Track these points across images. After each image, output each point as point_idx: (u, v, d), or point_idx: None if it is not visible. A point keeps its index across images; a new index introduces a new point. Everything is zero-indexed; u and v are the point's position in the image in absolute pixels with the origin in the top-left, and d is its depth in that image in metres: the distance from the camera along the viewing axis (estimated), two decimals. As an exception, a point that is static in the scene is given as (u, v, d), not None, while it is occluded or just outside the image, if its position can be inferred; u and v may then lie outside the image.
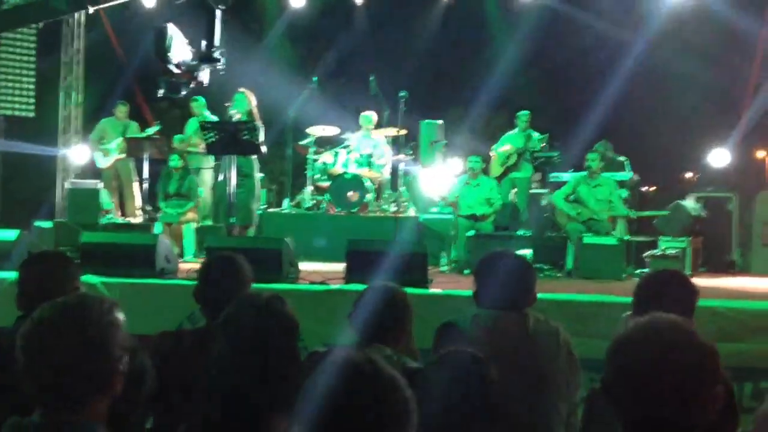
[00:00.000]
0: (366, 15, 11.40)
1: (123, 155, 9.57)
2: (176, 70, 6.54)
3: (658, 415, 1.48)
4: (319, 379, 1.39)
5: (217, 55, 6.55)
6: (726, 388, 2.32)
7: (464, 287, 5.47)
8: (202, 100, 9.24)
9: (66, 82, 11.27)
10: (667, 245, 7.84)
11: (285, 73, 11.04)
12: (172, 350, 2.62)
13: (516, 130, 9.55)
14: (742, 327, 4.60)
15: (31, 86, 11.17)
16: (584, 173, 8.11)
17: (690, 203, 8.62)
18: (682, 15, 9.41)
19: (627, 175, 8.93)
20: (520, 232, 8.11)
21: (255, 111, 7.61)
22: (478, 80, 10.49)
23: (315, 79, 9.96)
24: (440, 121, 10.39)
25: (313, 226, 8.96)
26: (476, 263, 3.12)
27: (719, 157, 9.44)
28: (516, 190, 9.45)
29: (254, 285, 2.98)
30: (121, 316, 1.76)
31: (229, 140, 6.81)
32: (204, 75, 6.64)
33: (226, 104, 8.20)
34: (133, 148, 9.23)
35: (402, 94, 9.08)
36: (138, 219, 9.27)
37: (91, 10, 9.78)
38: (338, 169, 9.39)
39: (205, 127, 6.97)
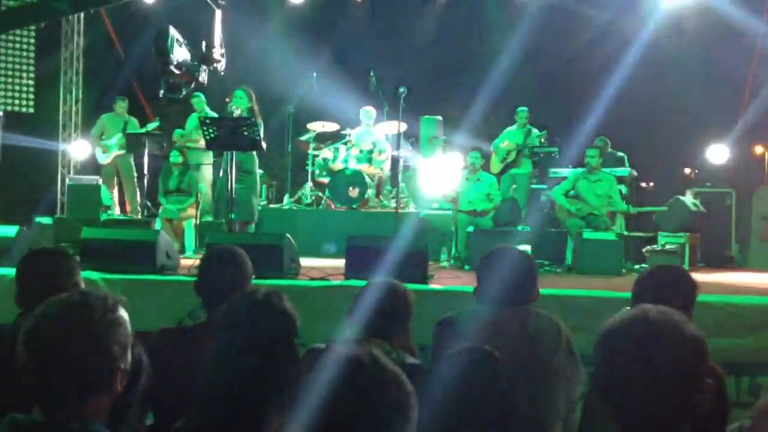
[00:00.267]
0: (365, 10, 11.39)
1: (123, 151, 9.58)
2: (176, 71, 6.55)
3: (646, 407, 1.48)
4: (320, 374, 1.40)
5: (217, 55, 6.56)
6: (716, 380, 2.33)
7: (464, 283, 5.49)
8: (202, 96, 9.24)
9: (66, 77, 11.27)
10: (666, 240, 7.86)
11: (284, 68, 11.03)
12: (173, 347, 2.63)
13: (515, 126, 9.56)
14: (739, 322, 4.61)
15: (31, 82, 11.18)
16: (583, 169, 8.12)
17: (689, 199, 8.64)
18: (681, 11, 9.41)
19: (626, 170, 8.94)
20: (520, 228, 8.12)
21: (255, 107, 7.61)
22: (478, 76, 10.47)
23: (314, 74, 9.96)
24: (440, 117, 10.39)
25: (313, 222, 8.97)
26: (478, 259, 3.12)
27: (718, 154, 9.45)
28: (516, 186, 9.46)
29: (255, 281, 2.99)
30: (124, 314, 1.76)
31: (229, 136, 6.81)
32: (203, 75, 6.65)
33: (226, 100, 8.20)
34: (133, 144, 9.23)
35: (401, 89, 9.07)
36: (138, 215, 9.28)
37: (92, 10, 9.80)
38: (338, 165, 9.40)
39: (205, 123, 6.97)
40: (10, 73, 10.98)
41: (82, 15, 11.17)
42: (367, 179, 9.19)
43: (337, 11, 11.36)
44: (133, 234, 6.27)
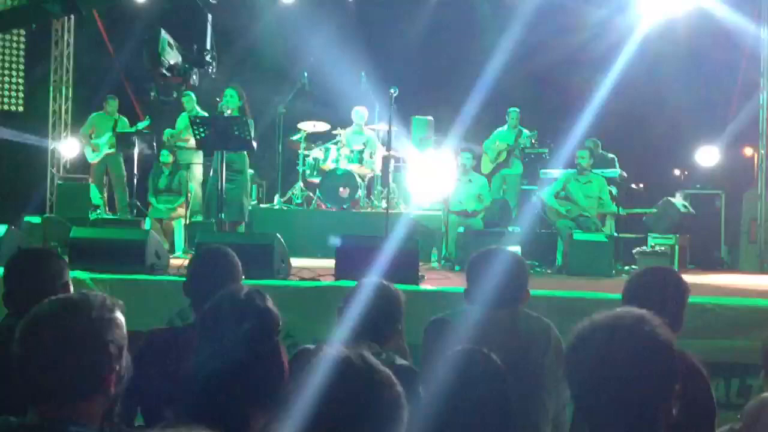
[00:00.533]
0: (357, 10, 11.38)
1: (113, 150, 9.53)
2: (168, 74, 6.55)
3: (614, 414, 1.47)
4: (310, 375, 1.39)
5: (208, 58, 6.56)
6: (702, 381, 2.33)
7: (455, 283, 5.49)
8: (192, 95, 9.21)
9: (56, 76, 11.20)
10: (656, 242, 7.89)
11: (275, 68, 11.01)
12: (162, 347, 2.61)
13: (506, 126, 9.58)
14: (729, 323, 4.63)
15: (21, 80, 11.11)
16: (574, 170, 8.14)
17: (678, 200, 8.68)
18: (674, 13, 9.43)
19: (616, 172, 8.97)
20: (510, 229, 8.13)
21: (246, 106, 7.59)
22: (469, 77, 10.48)
23: (305, 74, 9.94)
24: (430, 118, 10.39)
25: (303, 223, 8.96)
26: (468, 260, 3.12)
27: (707, 156, 9.49)
28: (506, 186, 9.48)
29: (245, 281, 2.97)
30: (121, 317, 1.75)
31: (220, 136, 6.78)
32: (195, 78, 6.65)
33: (217, 99, 8.17)
34: (123, 143, 9.19)
35: (393, 90, 9.07)
36: (127, 215, 9.24)
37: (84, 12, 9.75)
38: (329, 165, 9.39)
39: (195, 122, 6.94)
40: (-1, 71, 10.93)
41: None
42: (358, 179, 9.18)
43: (328, 11, 11.34)
44: (122, 233, 6.24)
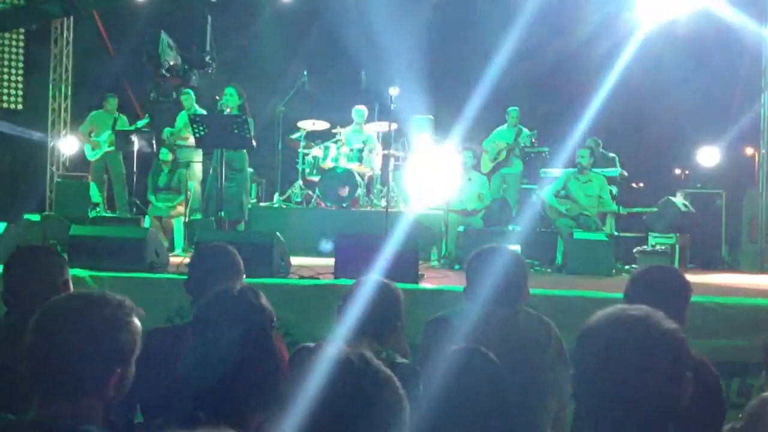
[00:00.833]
0: (357, 9, 11.36)
1: (112, 148, 9.52)
2: (168, 75, 6.56)
3: (625, 408, 1.46)
4: (309, 373, 1.38)
5: (207, 59, 6.57)
6: (712, 379, 2.32)
7: (454, 282, 5.48)
8: (191, 93, 9.19)
9: (55, 74, 11.19)
10: (657, 241, 7.89)
11: (275, 66, 11.00)
12: (163, 346, 2.60)
13: (506, 125, 9.57)
14: (730, 323, 4.62)
15: (20, 78, 11.10)
16: (574, 169, 8.13)
17: (679, 200, 8.67)
18: (675, 12, 9.42)
19: (616, 171, 8.96)
20: (511, 228, 8.12)
21: (245, 105, 7.58)
22: (469, 76, 10.47)
23: (305, 73, 9.93)
24: (431, 117, 10.38)
25: (303, 221, 8.94)
26: (468, 259, 3.11)
27: (708, 156, 9.48)
28: (506, 185, 9.47)
29: (245, 279, 2.96)
30: (138, 323, 1.75)
31: (220, 134, 6.78)
32: (194, 78, 6.66)
33: (216, 97, 8.16)
34: (123, 141, 9.17)
35: (393, 88, 9.05)
36: (127, 213, 9.23)
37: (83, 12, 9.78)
38: (328, 164, 9.38)
39: (195, 120, 6.93)
40: (-1, 69, 10.92)
41: (72, 11, 11.10)
42: (358, 178, 9.17)
43: (328, 9, 11.33)
44: (122, 231, 6.24)
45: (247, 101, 7.61)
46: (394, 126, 9.61)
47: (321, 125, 9.92)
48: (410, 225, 8.15)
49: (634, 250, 7.81)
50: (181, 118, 9.30)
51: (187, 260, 6.01)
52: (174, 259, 6.31)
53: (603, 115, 9.01)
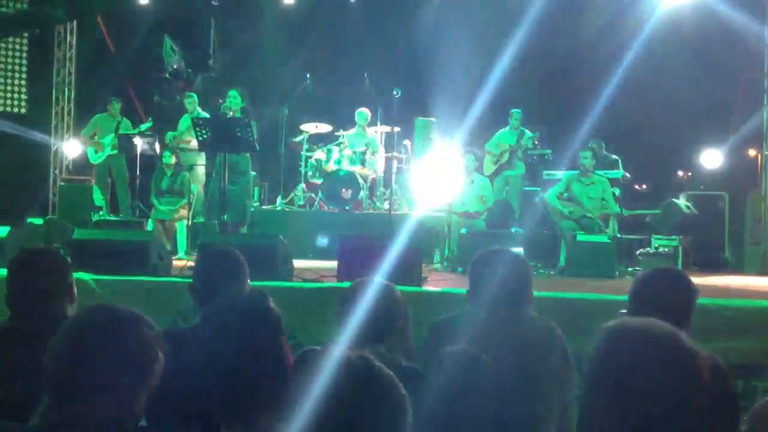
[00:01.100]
0: (360, 11, 11.38)
1: (116, 151, 9.54)
2: (171, 79, 6.59)
3: (644, 425, 1.46)
4: (313, 377, 1.38)
5: (210, 62, 6.59)
6: (728, 388, 2.30)
7: (457, 285, 5.48)
8: (194, 96, 9.20)
9: (59, 77, 11.22)
10: (660, 243, 7.87)
11: (278, 69, 11.01)
12: (168, 349, 2.60)
13: (508, 127, 9.57)
14: (733, 325, 4.61)
15: (23, 82, 11.13)
16: (577, 171, 8.12)
17: (682, 202, 8.65)
18: (678, 13, 9.42)
19: (619, 173, 8.94)
20: (513, 230, 8.12)
21: (248, 108, 7.60)
22: (472, 78, 10.47)
23: (308, 76, 9.94)
24: (433, 119, 10.39)
25: (306, 224, 8.95)
26: (471, 261, 3.10)
27: (711, 158, 9.45)
28: (508, 187, 9.46)
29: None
30: (161, 355, 1.79)
31: (223, 137, 6.79)
32: (197, 81, 6.68)
33: (220, 100, 8.18)
34: (126, 144, 9.19)
35: (396, 91, 9.07)
36: (130, 216, 9.24)
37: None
38: (331, 167, 9.38)
39: (197, 123, 6.94)
40: (2, 73, 10.93)
41: (75, 14, 11.13)
42: (360, 181, 9.17)
43: (331, 12, 11.35)
44: (125, 235, 6.25)
45: (249, 104, 7.62)
46: (396, 129, 9.62)
47: (324, 128, 9.92)
48: (413, 227, 8.17)
49: (637, 252, 7.80)
50: (184, 122, 9.31)
51: (190, 263, 6.04)
52: (177, 263, 6.32)
53: (606, 117, 9.01)
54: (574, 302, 4.83)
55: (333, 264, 5.76)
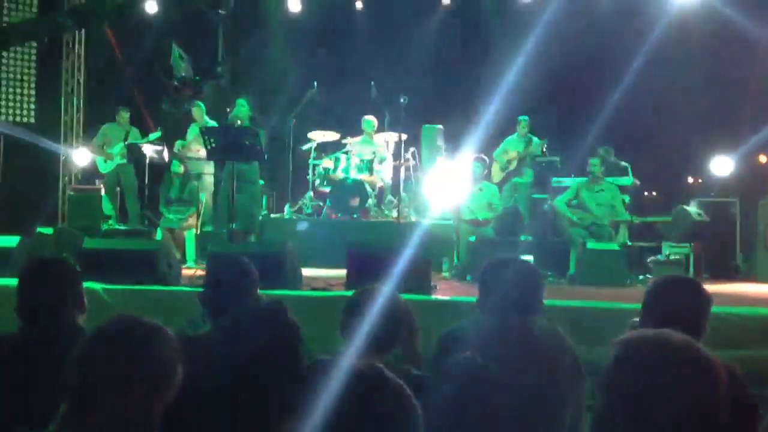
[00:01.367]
0: (366, 20, 11.41)
1: (125, 161, 9.58)
2: (180, 86, 6.61)
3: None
4: (324, 387, 1.38)
5: (219, 70, 6.62)
6: (746, 398, 2.27)
7: (466, 293, 5.46)
8: (202, 105, 9.23)
9: (67, 87, 11.28)
10: (671, 251, 7.81)
11: (285, 78, 11.04)
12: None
13: (515, 134, 9.55)
14: (746, 333, 4.58)
15: (32, 92, 11.19)
16: (586, 178, 8.10)
17: (693, 208, 8.60)
18: (687, 21, 9.39)
19: (629, 180, 8.91)
20: (522, 238, 8.09)
21: (256, 117, 7.62)
22: (479, 85, 10.47)
23: (315, 84, 9.96)
24: (440, 126, 10.38)
25: (314, 232, 8.94)
26: (480, 269, 3.08)
27: (721, 165, 9.37)
28: (516, 195, 9.44)
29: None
30: (179, 372, 1.77)
31: (231, 146, 6.81)
32: (205, 89, 6.70)
33: (228, 109, 8.20)
34: (135, 153, 9.23)
35: (402, 98, 9.07)
36: (138, 225, 9.26)
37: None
38: (339, 175, 9.38)
39: (206, 133, 6.96)
40: (11, 83, 10.99)
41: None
42: (368, 189, 9.17)
43: (338, 20, 11.38)
44: (134, 244, 6.27)
45: (257, 113, 7.64)
46: (404, 136, 9.63)
47: (331, 136, 9.94)
48: (422, 235, 8.16)
49: (649, 260, 7.75)
50: (192, 131, 9.35)
51: (199, 272, 6.05)
52: (186, 271, 6.32)
53: (616, 123, 8.98)
54: (584, 311, 4.80)
55: (341, 272, 5.76)
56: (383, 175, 9.56)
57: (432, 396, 2.15)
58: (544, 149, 9.33)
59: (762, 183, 9.51)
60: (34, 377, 2.24)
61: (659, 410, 1.42)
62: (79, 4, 10.59)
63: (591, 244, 7.33)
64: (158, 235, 8.38)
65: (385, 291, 2.76)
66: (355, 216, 9.10)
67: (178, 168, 8.87)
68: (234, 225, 7.07)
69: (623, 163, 9.27)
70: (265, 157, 7.18)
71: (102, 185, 9.84)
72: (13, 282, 2.70)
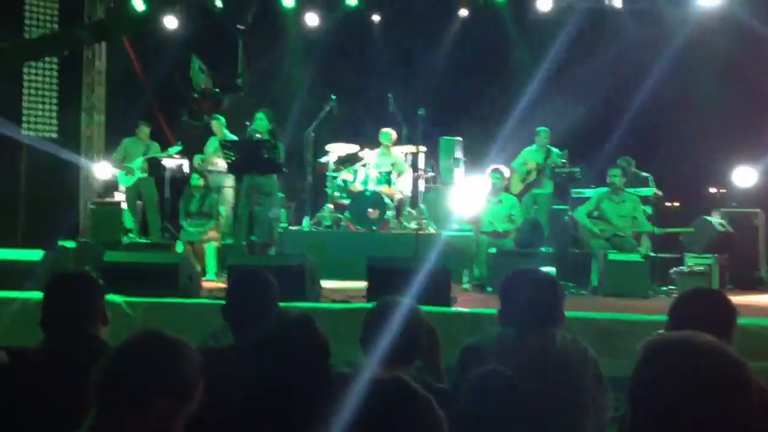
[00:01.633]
0: (383, 32, 11.45)
1: (145, 174, 9.66)
2: (200, 99, 6.67)
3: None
4: (349, 399, 1.37)
5: (238, 83, 6.67)
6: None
7: (486, 305, 5.43)
8: (221, 119, 9.30)
9: (88, 102, 11.41)
10: (694, 262, 7.71)
11: (304, 91, 11.09)
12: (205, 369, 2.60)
13: (534, 145, 9.52)
14: (772, 345, 4.50)
15: (54, 107, 11.32)
16: (607, 189, 8.04)
17: (715, 219, 8.50)
18: (708, 29, 9.32)
19: (650, 190, 8.83)
20: (543, 249, 8.04)
21: (275, 130, 7.66)
22: (498, 96, 10.46)
23: (333, 97, 10.01)
24: (459, 138, 10.38)
25: (333, 245, 8.95)
26: (500, 281, 3.06)
27: (744, 175, 9.24)
28: (536, 206, 9.39)
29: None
30: (197, 396, 1.80)
31: (250, 159, 6.85)
32: (225, 102, 6.76)
33: (247, 123, 8.25)
34: (155, 167, 9.31)
35: (420, 111, 9.08)
36: (159, 238, 9.33)
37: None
38: (358, 187, 9.40)
39: (225, 146, 7.01)
40: (33, 97, 11.14)
41: (103, 38, 11.32)
42: (387, 201, 9.17)
43: (355, 33, 11.43)
44: (155, 257, 6.30)
45: (276, 126, 7.68)
46: (422, 148, 9.62)
47: (350, 149, 9.96)
48: (442, 247, 8.14)
49: (671, 271, 7.66)
50: (211, 144, 9.41)
51: (220, 285, 6.06)
52: (207, 284, 6.35)
53: (636, 134, 8.91)
54: (607, 323, 4.75)
55: (361, 285, 5.75)
56: (402, 187, 9.56)
57: (455, 408, 2.13)
58: (564, 160, 9.28)
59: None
60: (57, 390, 2.25)
61: (688, 409, 1.40)
62: (98, 18, 10.72)
63: (613, 255, 7.27)
64: (179, 248, 8.43)
65: (404, 303, 2.75)
66: (374, 228, 9.10)
67: (198, 182, 8.93)
68: (253, 237, 7.09)
69: (644, 174, 9.20)
70: (284, 170, 7.20)
71: (123, 198, 9.93)
72: (38, 295, 2.73)
